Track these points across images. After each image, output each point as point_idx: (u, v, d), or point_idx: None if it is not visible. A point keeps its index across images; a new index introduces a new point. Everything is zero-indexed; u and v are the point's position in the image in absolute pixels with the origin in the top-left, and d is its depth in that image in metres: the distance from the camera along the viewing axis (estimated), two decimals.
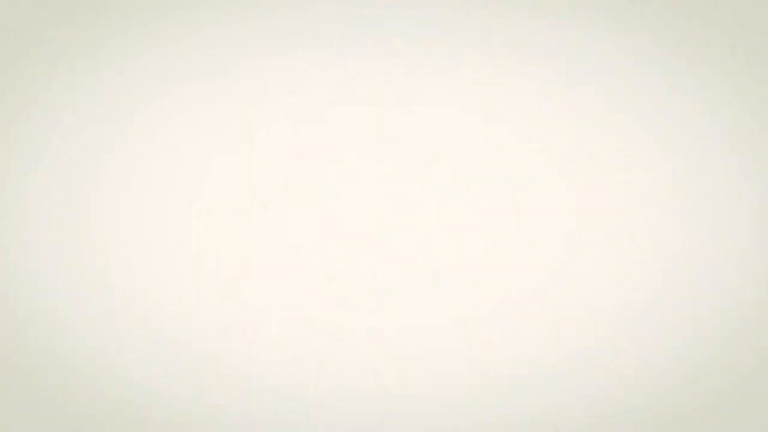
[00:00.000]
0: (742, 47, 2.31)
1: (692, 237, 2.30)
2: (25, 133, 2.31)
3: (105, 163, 2.31)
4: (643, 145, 2.31)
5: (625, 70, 2.31)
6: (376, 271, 2.32)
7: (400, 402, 2.30)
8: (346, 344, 2.31)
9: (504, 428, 2.30)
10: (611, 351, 2.29)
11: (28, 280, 2.30)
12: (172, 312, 2.30)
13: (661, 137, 2.31)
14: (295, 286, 2.31)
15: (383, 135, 2.32)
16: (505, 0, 2.32)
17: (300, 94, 2.31)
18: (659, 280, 2.29)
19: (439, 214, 2.32)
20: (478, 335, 2.30)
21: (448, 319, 2.30)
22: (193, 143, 2.31)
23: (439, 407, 2.30)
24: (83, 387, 2.30)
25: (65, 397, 2.31)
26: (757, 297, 2.29)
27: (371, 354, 2.30)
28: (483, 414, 2.30)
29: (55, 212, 2.30)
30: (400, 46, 2.32)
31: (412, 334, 2.30)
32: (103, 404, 2.30)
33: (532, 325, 2.30)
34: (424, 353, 2.30)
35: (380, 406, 2.30)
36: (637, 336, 2.29)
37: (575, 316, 2.30)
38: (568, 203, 2.30)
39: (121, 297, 2.30)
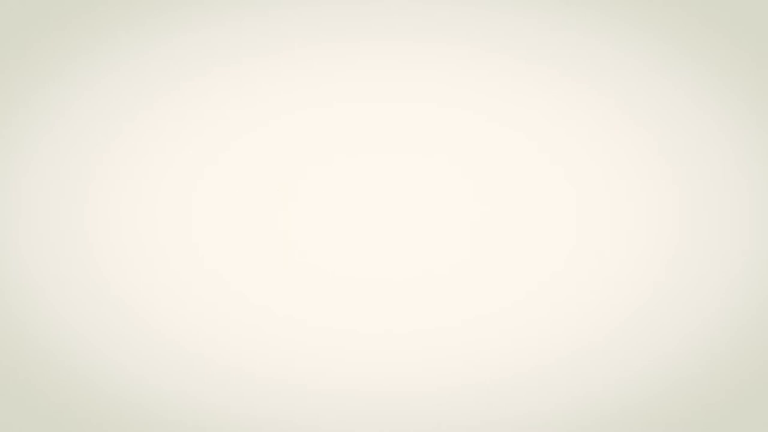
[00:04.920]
0: (743, 46, 2.32)
1: (694, 238, 2.30)
2: (22, 132, 2.32)
3: (104, 162, 2.31)
4: (644, 145, 2.31)
5: (626, 70, 2.32)
6: (376, 271, 2.32)
7: (400, 402, 2.30)
8: (347, 344, 2.31)
9: (505, 429, 2.30)
10: (613, 351, 2.30)
11: (25, 280, 2.30)
12: (171, 311, 2.30)
13: (661, 137, 2.31)
14: (295, 286, 2.31)
15: (383, 134, 2.32)
16: None
17: (299, 92, 2.32)
18: (661, 280, 2.30)
19: (441, 213, 2.32)
20: (478, 335, 2.30)
21: (449, 320, 2.30)
22: (191, 142, 2.31)
23: (440, 408, 2.30)
24: (81, 386, 2.30)
25: (63, 396, 2.30)
26: (759, 299, 2.30)
27: (372, 354, 2.31)
28: (485, 415, 2.30)
29: (53, 211, 2.30)
30: (400, 44, 2.33)
31: (414, 334, 2.31)
32: (102, 404, 2.30)
33: (533, 326, 2.30)
34: (426, 353, 2.30)
35: (381, 407, 2.30)
36: (639, 336, 2.30)
37: (577, 317, 2.30)
38: (569, 203, 2.31)
39: (120, 296, 2.30)
